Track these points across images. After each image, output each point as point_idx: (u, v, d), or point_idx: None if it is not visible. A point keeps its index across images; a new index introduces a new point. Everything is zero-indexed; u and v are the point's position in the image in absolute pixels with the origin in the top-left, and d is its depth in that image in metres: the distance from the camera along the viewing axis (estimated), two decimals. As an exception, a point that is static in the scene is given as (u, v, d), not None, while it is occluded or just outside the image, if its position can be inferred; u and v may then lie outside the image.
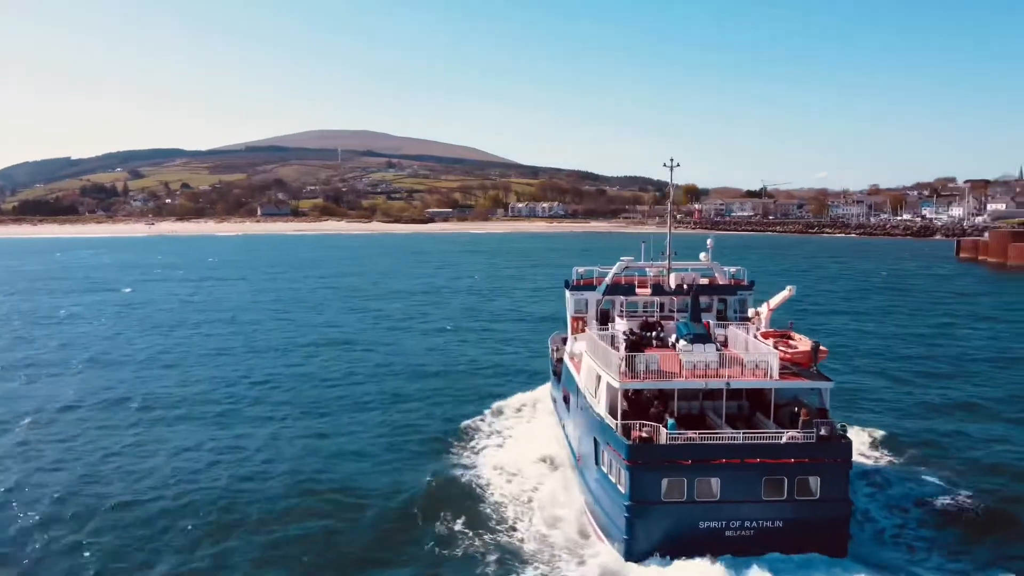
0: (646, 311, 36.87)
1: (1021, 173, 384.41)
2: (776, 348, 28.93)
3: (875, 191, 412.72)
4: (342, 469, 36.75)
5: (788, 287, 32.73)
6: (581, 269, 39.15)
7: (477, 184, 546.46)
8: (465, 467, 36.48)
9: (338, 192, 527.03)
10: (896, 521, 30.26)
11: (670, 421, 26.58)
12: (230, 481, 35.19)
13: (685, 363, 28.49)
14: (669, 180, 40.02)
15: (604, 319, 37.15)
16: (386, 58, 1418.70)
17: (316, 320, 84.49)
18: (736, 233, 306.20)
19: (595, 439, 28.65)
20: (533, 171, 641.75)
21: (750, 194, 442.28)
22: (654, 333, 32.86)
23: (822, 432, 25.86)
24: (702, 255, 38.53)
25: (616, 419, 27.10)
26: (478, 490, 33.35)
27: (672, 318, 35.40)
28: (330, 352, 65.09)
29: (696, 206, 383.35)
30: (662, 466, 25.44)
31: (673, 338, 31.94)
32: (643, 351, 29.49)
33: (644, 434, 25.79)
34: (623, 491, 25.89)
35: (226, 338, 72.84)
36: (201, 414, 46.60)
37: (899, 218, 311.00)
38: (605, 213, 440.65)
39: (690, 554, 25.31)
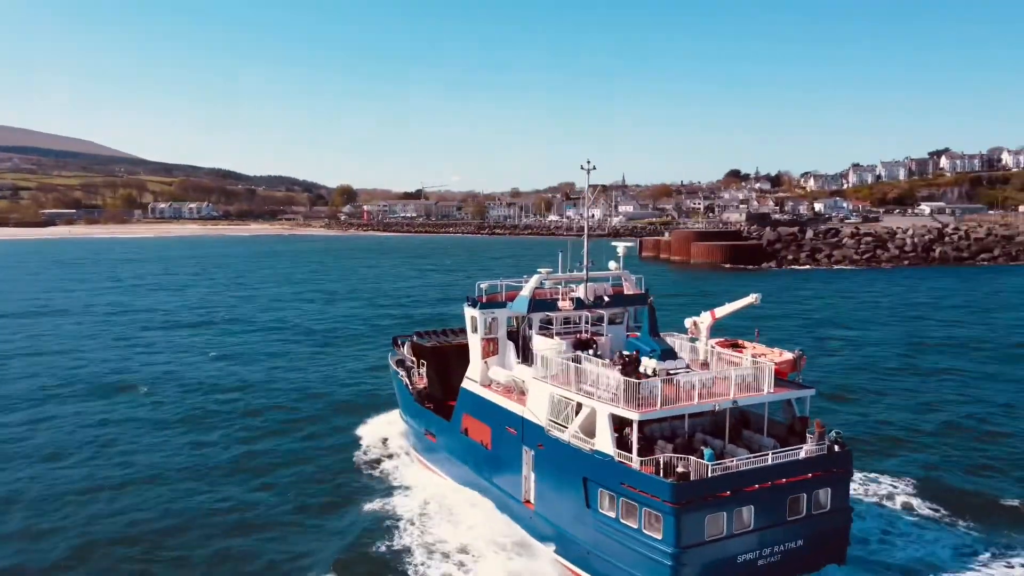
0: (573, 327, 33.71)
1: (623, 179, 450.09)
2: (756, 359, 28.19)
3: (516, 194, 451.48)
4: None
5: (753, 295, 30.23)
6: (484, 284, 34.86)
7: (103, 182, 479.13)
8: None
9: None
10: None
11: (707, 451, 24.48)
12: None
13: (684, 384, 26.35)
14: (586, 183, 36.36)
15: (515, 338, 33.49)
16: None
17: None
18: (415, 235, 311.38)
19: (585, 479, 25.76)
20: (166, 168, 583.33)
21: (407, 196, 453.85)
22: (591, 351, 29.94)
23: (833, 443, 25.86)
24: (612, 264, 35.52)
25: (632, 454, 24.74)
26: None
27: (601, 333, 32.93)
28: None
29: (366, 207, 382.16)
30: (705, 503, 23.48)
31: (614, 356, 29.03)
32: (636, 375, 26.50)
33: (682, 469, 23.69)
34: (659, 536, 23.38)
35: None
36: None
37: (552, 218, 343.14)
38: (262, 214, 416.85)
39: None
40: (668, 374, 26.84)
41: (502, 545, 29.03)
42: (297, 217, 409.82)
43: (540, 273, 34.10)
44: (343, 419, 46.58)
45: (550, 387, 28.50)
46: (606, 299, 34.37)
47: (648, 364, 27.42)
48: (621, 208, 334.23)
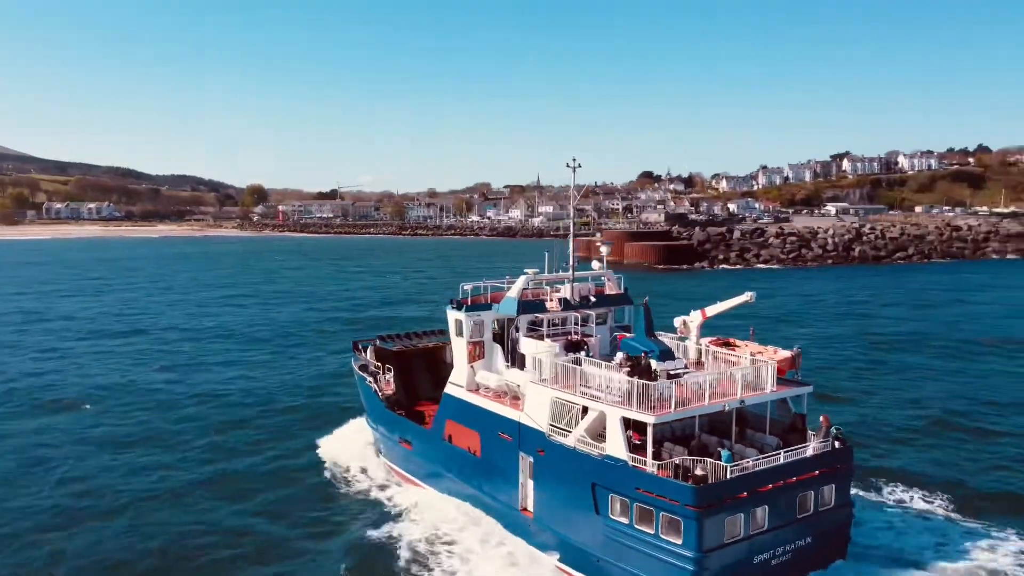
0: (561, 328, 33.20)
1: (538, 180, 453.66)
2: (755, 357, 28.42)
3: (433, 194, 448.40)
4: None
5: (747, 293, 30.54)
6: (468, 286, 34.09)
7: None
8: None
9: None
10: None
11: (724, 453, 24.52)
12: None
13: (693, 385, 26.32)
14: (571, 183, 36.36)
15: (500, 341, 32.97)
16: None
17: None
18: (335, 237, 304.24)
19: (594, 485, 25.35)
20: (60, 167, 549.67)
21: (322, 196, 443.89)
22: (584, 352, 29.58)
23: (834, 438, 26.27)
24: (595, 263, 35.53)
25: (646, 457, 24.48)
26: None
27: (589, 334, 32.74)
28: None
29: (281, 208, 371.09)
30: (724, 505, 23.46)
31: (620, 357, 28.43)
32: (648, 376, 26.13)
33: (701, 472, 23.53)
34: (679, 541, 23.17)
35: None
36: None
37: (473, 219, 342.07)
38: (169, 215, 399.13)
39: None
40: (669, 375, 26.47)
41: (499, 554, 28.48)
42: (206, 218, 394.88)
43: (527, 274, 33.58)
44: (308, 430, 44.28)
45: (550, 391, 27.87)
46: (592, 299, 34.15)
47: (654, 365, 26.80)
48: (541, 209, 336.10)
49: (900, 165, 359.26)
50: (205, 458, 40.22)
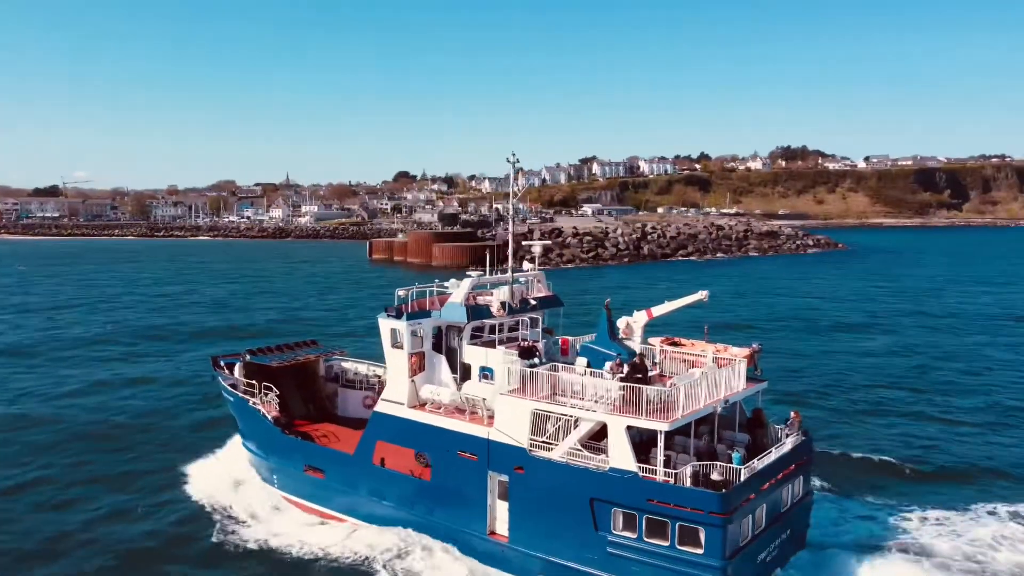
0: (503, 334, 31.82)
1: (287, 178, 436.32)
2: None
3: (174, 191, 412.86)
4: None
5: (701, 291, 29.63)
6: (402, 291, 31.57)
7: None
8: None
9: None
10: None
11: (736, 455, 24.82)
12: None
13: (684, 387, 26.07)
14: (511, 179, 35.44)
15: (440, 351, 31.42)
16: None
17: None
18: (68, 239, 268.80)
19: (593, 500, 24.56)
20: None
21: (41, 192, 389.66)
22: (537, 359, 29.01)
23: (802, 432, 27.57)
24: (527, 264, 34.76)
25: (658, 467, 23.82)
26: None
27: (536, 339, 31.98)
28: None
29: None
30: (741, 508, 23.68)
31: (582, 362, 27.87)
32: (649, 381, 26.02)
33: (718, 477, 23.74)
34: (700, 551, 22.97)
35: None
36: None
37: (231, 219, 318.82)
38: None
39: None
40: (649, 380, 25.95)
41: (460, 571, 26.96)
42: None
43: (471, 276, 31.66)
44: (173, 465, 38.21)
45: (530, 402, 26.30)
46: (532, 302, 32.81)
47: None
48: (305, 208, 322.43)
49: (641, 169, 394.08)
50: (46, 502, 32.08)
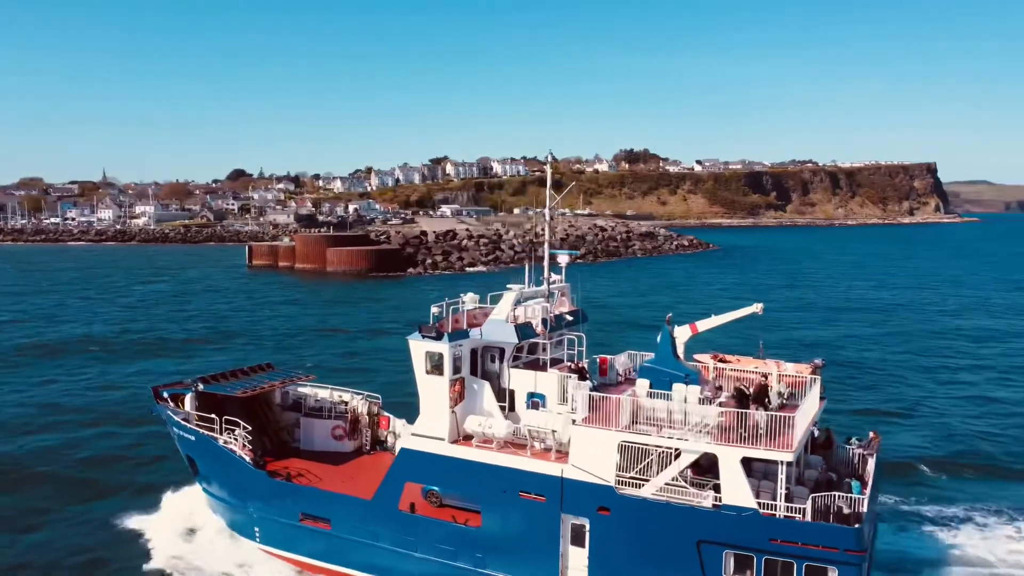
0: (547, 355, 28.67)
1: (104, 175, 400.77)
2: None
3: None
4: None
5: (756, 304, 27.64)
6: (436, 308, 28.09)
7: None
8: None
9: None
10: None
11: (855, 484, 24.31)
12: None
13: (801, 411, 24.73)
14: (548, 179, 33.22)
15: (487, 376, 28.28)
16: None
17: None
18: None
19: (700, 543, 22.48)
20: None
21: None
22: (588, 382, 26.98)
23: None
24: (556, 277, 31.99)
25: (779, 502, 22.02)
26: None
27: (574, 360, 29.52)
28: None
29: None
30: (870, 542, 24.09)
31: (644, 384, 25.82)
32: (766, 408, 24.78)
33: (848, 510, 22.69)
34: None
35: None
36: None
37: (52, 220, 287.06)
38: None
39: None
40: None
41: None
42: None
43: (513, 290, 28.70)
44: (110, 518, 33.11)
45: (615, 433, 23.73)
46: (568, 318, 30.52)
47: (690, 391, 24.32)
48: (140, 208, 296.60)
49: (495, 170, 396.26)
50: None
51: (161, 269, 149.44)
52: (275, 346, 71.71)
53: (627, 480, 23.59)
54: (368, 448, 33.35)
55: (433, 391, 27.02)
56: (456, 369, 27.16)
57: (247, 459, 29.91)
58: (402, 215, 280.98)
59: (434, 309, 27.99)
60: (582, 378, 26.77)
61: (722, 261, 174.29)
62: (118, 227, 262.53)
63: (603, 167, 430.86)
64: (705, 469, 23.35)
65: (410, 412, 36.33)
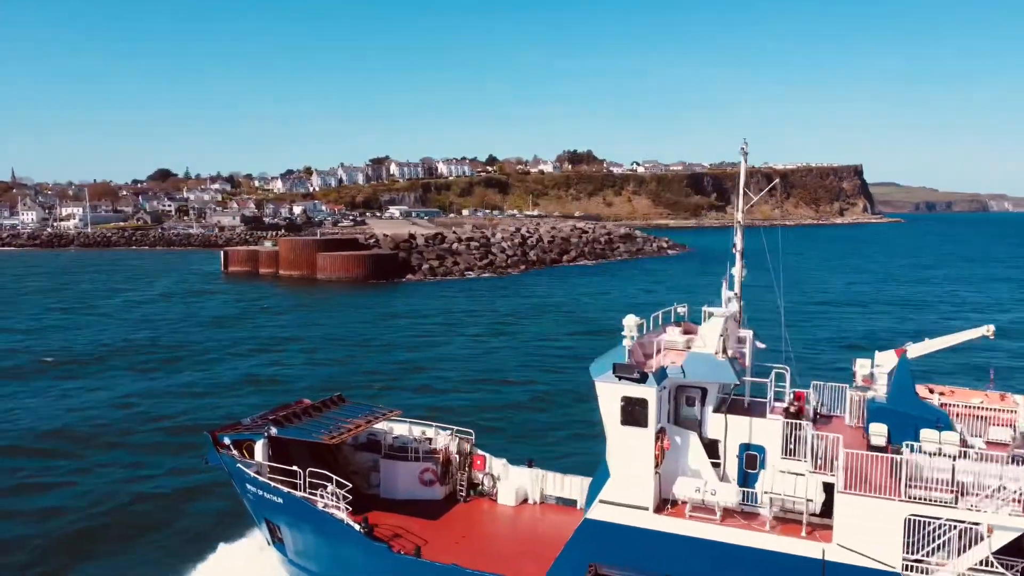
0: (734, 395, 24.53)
1: (13, 175, 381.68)
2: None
3: None
4: None
5: (986, 326, 24.11)
6: (628, 341, 22.70)
7: None
8: None
9: None
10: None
11: None
12: None
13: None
14: (742, 170, 28.78)
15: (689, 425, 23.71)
16: None
17: None
18: None
19: None
20: None
21: None
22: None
23: None
24: (726, 292, 26.38)
25: None
26: None
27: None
28: None
29: None
30: None
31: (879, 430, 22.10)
32: None
33: None
34: None
35: None
36: None
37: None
38: None
39: None
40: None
41: None
42: None
43: (719, 312, 23.79)
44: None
45: (900, 504, 19.47)
46: (760, 345, 26.07)
47: (946, 438, 20.43)
48: (68, 210, 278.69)
49: (440, 171, 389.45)
50: None
51: (133, 279, 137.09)
52: (304, 363, 64.99)
53: (914, 564, 19.42)
54: (464, 495, 28.48)
55: (631, 447, 22.14)
56: (660, 418, 22.35)
57: (357, 527, 24.44)
58: (351, 216, 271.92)
59: (626, 342, 22.58)
60: (796, 419, 22.18)
61: (717, 263, 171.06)
62: (49, 231, 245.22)
63: (547, 168, 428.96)
64: (1008, 548, 19.31)
65: (507, 448, 32.19)
